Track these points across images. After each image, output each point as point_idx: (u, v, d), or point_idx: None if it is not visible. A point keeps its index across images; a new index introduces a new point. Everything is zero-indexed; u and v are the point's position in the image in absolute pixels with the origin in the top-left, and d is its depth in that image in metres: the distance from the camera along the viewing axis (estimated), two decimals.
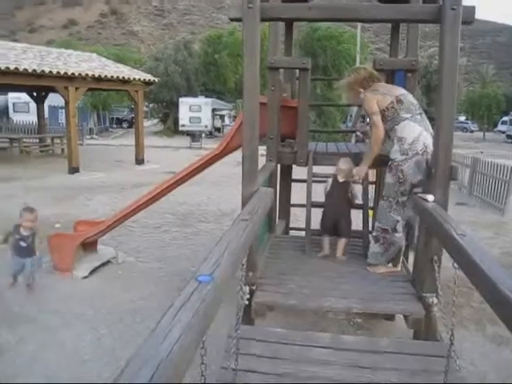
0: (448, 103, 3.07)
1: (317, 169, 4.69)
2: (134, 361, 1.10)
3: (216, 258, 1.78)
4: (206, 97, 32.39)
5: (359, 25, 25.34)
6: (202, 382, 1.66)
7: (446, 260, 3.08)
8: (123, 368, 1.08)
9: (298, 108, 4.62)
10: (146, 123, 32.11)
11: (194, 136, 24.94)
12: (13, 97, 28.56)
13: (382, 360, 2.74)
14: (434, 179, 3.15)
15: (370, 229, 4.46)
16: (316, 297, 3.33)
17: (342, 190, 4.20)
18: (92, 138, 27.37)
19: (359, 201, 4.45)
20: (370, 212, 4.97)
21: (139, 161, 16.44)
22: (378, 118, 3.74)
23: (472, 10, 2.90)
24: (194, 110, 30.60)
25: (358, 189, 4.42)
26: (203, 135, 27.20)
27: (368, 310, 3.26)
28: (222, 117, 32.88)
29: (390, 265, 3.92)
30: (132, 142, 17.16)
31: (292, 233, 5.70)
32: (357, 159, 4.22)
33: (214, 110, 31.99)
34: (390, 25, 5.74)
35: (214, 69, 33.64)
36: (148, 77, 16.96)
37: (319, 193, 4.60)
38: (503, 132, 39.49)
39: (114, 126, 36.28)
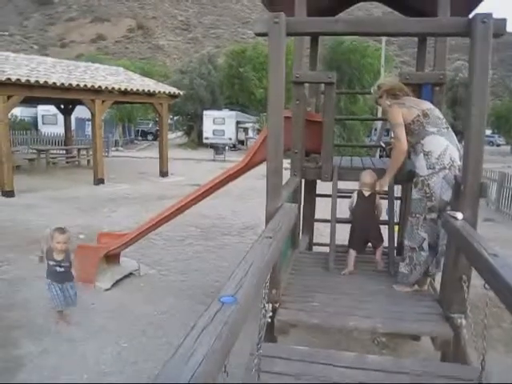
0: (478, 118, 2.99)
1: (341, 184, 4.63)
2: None
3: (239, 278, 1.74)
4: (230, 110, 32.64)
5: (384, 38, 25.24)
6: None
7: (473, 278, 2.99)
8: None
9: (323, 122, 4.58)
10: (171, 135, 32.43)
11: (217, 149, 25.08)
12: (42, 109, 29.31)
13: (407, 382, 2.64)
14: (463, 196, 3.05)
15: (396, 245, 4.37)
16: (340, 315, 3.25)
17: (369, 203, 4.15)
18: (117, 150, 27.78)
19: (383, 217, 4.38)
20: (396, 227, 4.88)
21: (163, 173, 16.58)
22: (401, 131, 3.66)
23: (503, 22, 2.83)
24: (218, 123, 30.87)
25: (384, 204, 4.35)
26: (227, 148, 27.34)
27: (393, 330, 3.17)
28: (245, 129, 33.02)
29: (416, 285, 3.82)
30: (157, 154, 17.34)
31: (315, 248, 5.63)
32: (381, 174, 4.16)
33: (237, 122, 32.20)
34: (415, 38, 5.69)
35: (238, 82, 33.91)
36: (173, 90, 17.16)
37: (343, 208, 4.54)
38: None
39: (140, 138, 36.79)
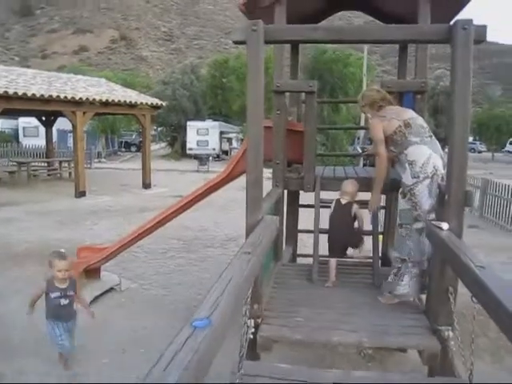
0: (461, 125, 2.93)
1: (325, 194, 4.56)
2: None
3: (215, 298, 1.63)
4: (214, 120, 32.58)
5: (365, 47, 25.46)
6: None
7: (459, 286, 2.93)
8: None
9: (305, 132, 4.51)
10: (154, 146, 32.28)
11: (201, 159, 24.94)
12: (23, 121, 28.93)
13: None
14: (448, 205, 2.98)
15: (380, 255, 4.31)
16: (324, 330, 3.15)
17: (344, 211, 4.10)
18: (100, 162, 27.49)
19: (363, 226, 4.31)
20: (380, 237, 4.82)
21: (146, 185, 16.39)
22: (381, 148, 3.70)
23: (483, 29, 2.79)
24: (202, 134, 30.80)
25: (365, 214, 4.28)
26: (211, 158, 27.23)
27: (379, 344, 3.09)
28: (229, 140, 32.92)
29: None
30: (140, 165, 17.15)
31: (299, 260, 5.54)
32: (365, 183, 4.12)
33: (221, 133, 32.16)
34: (397, 47, 5.70)
35: (221, 92, 33.91)
36: (155, 101, 17.03)
37: (326, 218, 4.47)
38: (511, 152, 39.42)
39: (123, 149, 36.48)
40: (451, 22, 2.99)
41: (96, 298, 5.56)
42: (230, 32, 3.32)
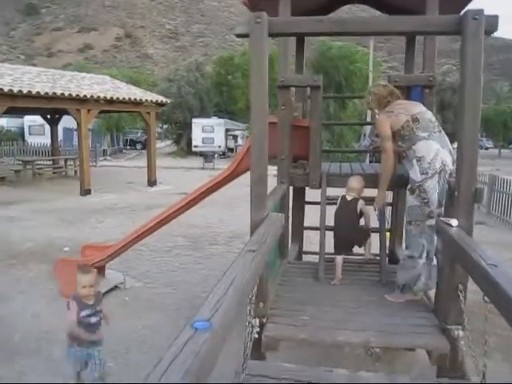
0: (471, 121, 2.85)
1: (331, 191, 4.49)
2: None
3: (218, 298, 1.57)
4: (219, 117, 32.52)
5: (371, 43, 25.29)
6: None
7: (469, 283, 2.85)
8: None
9: (310, 127, 4.44)
10: (160, 144, 32.26)
11: (206, 157, 24.91)
12: (28, 120, 28.97)
13: None
14: (458, 202, 2.90)
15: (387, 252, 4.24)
16: (331, 330, 3.09)
17: (350, 207, 4.05)
18: (105, 160, 27.51)
19: (369, 223, 4.23)
20: (387, 234, 4.75)
21: (151, 182, 16.36)
22: (388, 144, 3.65)
23: (495, 19, 2.70)
24: (207, 131, 30.74)
25: (371, 211, 4.20)
26: (216, 156, 27.18)
27: (387, 344, 3.02)
28: (235, 137, 32.87)
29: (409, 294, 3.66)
30: (145, 163, 17.12)
31: (305, 257, 5.46)
32: (371, 179, 4.06)
33: (227, 130, 32.09)
34: (403, 43, 5.59)
35: (226, 89, 33.81)
36: (160, 98, 16.99)
37: (333, 215, 4.39)
38: None
39: (128, 147, 36.52)
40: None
41: None
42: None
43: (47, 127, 21.64)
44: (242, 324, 2.57)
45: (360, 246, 4.19)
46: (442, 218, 3.06)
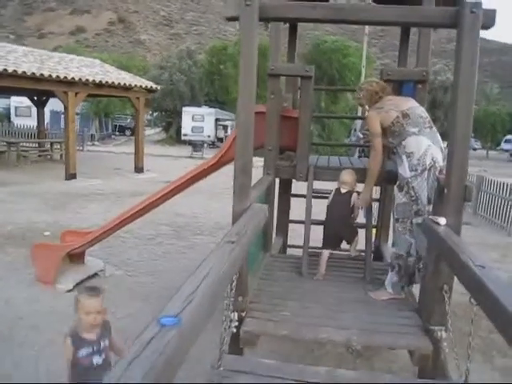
0: (463, 118, 2.77)
1: (318, 184, 4.40)
2: None
3: (190, 291, 1.47)
4: (210, 107, 32.26)
5: (365, 38, 25.22)
6: None
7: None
8: None
9: (299, 119, 4.34)
10: (149, 131, 31.99)
11: (195, 146, 24.70)
12: (15, 101, 28.46)
13: None
14: (447, 200, 2.83)
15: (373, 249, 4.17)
16: (312, 326, 3.00)
17: (344, 200, 3.98)
18: (93, 145, 27.19)
19: (356, 218, 4.16)
20: (373, 230, 4.68)
21: (138, 169, 16.18)
22: (377, 141, 3.60)
23: (493, 13, 2.62)
24: (197, 120, 30.51)
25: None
26: (205, 145, 26.98)
27: (369, 343, 2.94)
28: (225, 127, 32.66)
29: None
30: (133, 149, 16.92)
31: (290, 251, 5.37)
32: (360, 173, 3.99)
33: (217, 120, 31.86)
34: (396, 41, 5.50)
35: (218, 79, 33.55)
36: (149, 84, 16.74)
37: (319, 209, 4.31)
38: (506, 150, 39.48)
39: (117, 133, 36.11)
40: None
41: (79, 284, 5.39)
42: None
43: (34, 109, 21.29)
44: (219, 318, 2.48)
45: (349, 243, 4.13)
46: (430, 217, 2.98)
